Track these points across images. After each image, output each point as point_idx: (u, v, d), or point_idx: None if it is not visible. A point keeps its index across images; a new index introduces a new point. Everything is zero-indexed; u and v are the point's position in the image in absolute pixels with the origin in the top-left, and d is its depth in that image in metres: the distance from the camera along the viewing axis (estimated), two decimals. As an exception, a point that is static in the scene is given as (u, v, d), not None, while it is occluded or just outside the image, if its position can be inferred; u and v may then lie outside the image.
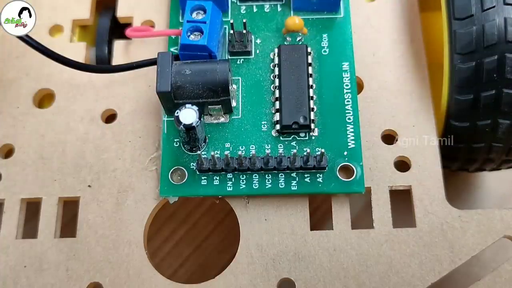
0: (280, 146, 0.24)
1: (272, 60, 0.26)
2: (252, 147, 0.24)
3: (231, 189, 0.24)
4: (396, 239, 0.23)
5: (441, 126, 0.25)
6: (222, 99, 0.23)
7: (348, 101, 0.25)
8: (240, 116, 0.25)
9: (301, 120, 0.24)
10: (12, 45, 0.27)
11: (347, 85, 0.25)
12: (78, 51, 0.28)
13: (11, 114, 0.26)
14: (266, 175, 0.24)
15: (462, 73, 0.23)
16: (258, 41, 0.26)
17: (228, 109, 0.24)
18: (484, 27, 0.22)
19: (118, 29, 0.28)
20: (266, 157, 0.23)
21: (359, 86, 0.26)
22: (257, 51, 0.26)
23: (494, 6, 0.22)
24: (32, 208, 0.25)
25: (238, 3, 0.27)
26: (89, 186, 0.25)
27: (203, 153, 0.24)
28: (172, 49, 0.26)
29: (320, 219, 0.33)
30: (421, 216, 0.24)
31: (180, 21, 0.27)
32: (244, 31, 0.25)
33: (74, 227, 0.24)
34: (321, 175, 0.23)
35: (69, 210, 0.25)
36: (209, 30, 0.23)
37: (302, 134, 0.24)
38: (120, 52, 0.27)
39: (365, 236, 0.23)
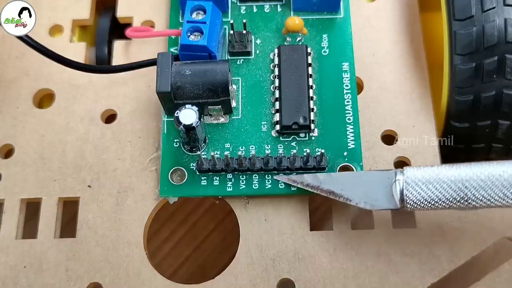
0: (280, 146, 0.24)
1: (272, 60, 0.26)
2: (252, 147, 0.24)
3: (231, 189, 0.24)
4: (396, 239, 0.23)
5: (441, 127, 0.25)
6: (222, 99, 0.23)
7: (348, 102, 0.25)
8: (240, 117, 0.25)
9: (301, 121, 0.24)
10: (12, 45, 0.27)
11: (347, 86, 0.25)
12: (78, 51, 0.28)
13: (11, 114, 0.26)
14: (266, 176, 0.24)
15: (462, 74, 0.23)
16: (258, 41, 0.26)
17: (228, 110, 0.24)
18: (484, 28, 0.22)
19: (118, 29, 0.28)
20: (266, 157, 0.23)
21: (359, 87, 0.26)
22: (257, 52, 0.26)
23: (494, 7, 0.22)
24: (32, 208, 0.25)
25: (238, 4, 0.27)
26: (89, 186, 0.25)
27: (203, 153, 0.24)
28: (172, 49, 0.26)
29: (320, 219, 0.33)
30: (421, 216, 0.24)
31: (180, 21, 0.27)
32: (244, 32, 0.25)
33: (74, 227, 0.24)
34: (321, 176, 0.23)
35: (69, 210, 0.25)
36: (209, 31, 0.23)
37: (302, 135, 0.24)
38: (120, 52, 0.27)
39: (365, 236, 0.23)
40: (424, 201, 0.20)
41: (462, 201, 0.20)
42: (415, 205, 0.20)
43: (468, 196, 0.20)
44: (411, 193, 0.20)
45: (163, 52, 0.23)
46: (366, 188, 0.21)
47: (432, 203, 0.20)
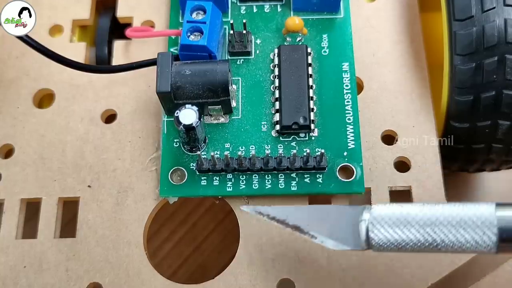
0: (280, 146, 0.24)
1: (272, 60, 0.26)
2: (252, 147, 0.24)
3: (231, 189, 0.24)
4: (396, 239, 0.23)
5: (441, 127, 0.25)
6: (222, 99, 0.23)
7: (348, 102, 0.25)
8: (240, 117, 0.25)
9: (301, 121, 0.24)
10: (12, 45, 0.27)
11: (347, 86, 0.25)
12: (78, 51, 0.28)
13: (11, 114, 0.26)
14: (266, 176, 0.24)
15: (462, 74, 0.23)
16: (258, 41, 0.26)
17: (228, 110, 0.24)
18: (484, 28, 0.22)
19: (118, 29, 0.28)
20: (266, 157, 0.23)
21: (359, 87, 0.26)
22: (257, 52, 0.26)
23: (494, 7, 0.22)
24: (32, 208, 0.25)
25: (238, 4, 0.27)
26: (89, 186, 0.25)
27: (203, 153, 0.24)
28: (172, 49, 0.26)
29: (320, 219, 0.33)
30: (421, 216, 0.24)
31: (180, 21, 0.27)
32: (244, 32, 0.25)
33: (74, 227, 0.24)
34: (321, 176, 0.23)
35: (69, 210, 0.25)
36: (209, 31, 0.23)
37: (302, 135, 0.24)
38: (120, 52, 0.27)
39: (365, 237, 0.23)
40: (390, 244, 0.19)
41: (431, 246, 0.18)
42: (381, 248, 0.19)
43: (437, 241, 0.18)
44: (376, 235, 0.19)
45: (163, 52, 0.23)
46: (332, 225, 0.19)
47: (399, 246, 0.19)
